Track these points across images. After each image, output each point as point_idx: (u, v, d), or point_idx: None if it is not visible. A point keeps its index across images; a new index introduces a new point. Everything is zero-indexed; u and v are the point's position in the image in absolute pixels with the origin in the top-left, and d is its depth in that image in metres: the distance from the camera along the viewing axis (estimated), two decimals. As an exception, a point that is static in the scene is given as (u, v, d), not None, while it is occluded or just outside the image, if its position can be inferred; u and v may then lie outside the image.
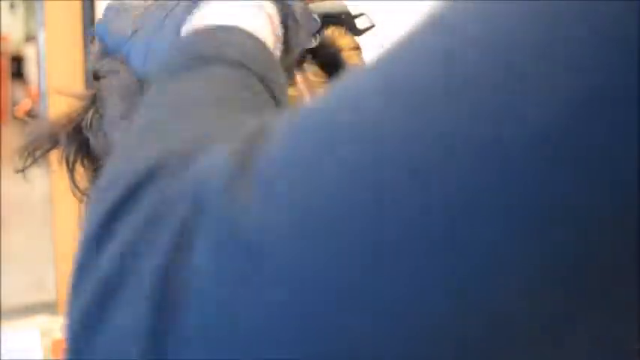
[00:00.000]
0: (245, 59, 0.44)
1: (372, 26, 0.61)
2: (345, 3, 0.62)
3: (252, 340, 0.27)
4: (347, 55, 0.61)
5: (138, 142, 0.37)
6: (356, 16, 0.61)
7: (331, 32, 0.61)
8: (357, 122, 0.29)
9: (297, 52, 0.53)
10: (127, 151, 0.37)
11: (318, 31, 0.59)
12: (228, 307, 0.27)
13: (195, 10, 0.51)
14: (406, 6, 1.54)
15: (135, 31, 0.57)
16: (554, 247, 0.26)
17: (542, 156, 0.26)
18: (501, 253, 0.26)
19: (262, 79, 0.44)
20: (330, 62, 0.60)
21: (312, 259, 0.27)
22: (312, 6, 0.59)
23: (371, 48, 0.64)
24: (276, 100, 0.44)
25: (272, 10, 0.51)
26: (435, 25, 0.30)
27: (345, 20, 0.60)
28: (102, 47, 0.60)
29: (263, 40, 0.47)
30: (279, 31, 0.51)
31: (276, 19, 0.51)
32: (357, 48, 0.62)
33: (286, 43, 0.52)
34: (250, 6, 0.50)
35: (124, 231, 0.31)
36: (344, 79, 0.32)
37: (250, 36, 0.46)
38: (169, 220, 0.30)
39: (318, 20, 0.58)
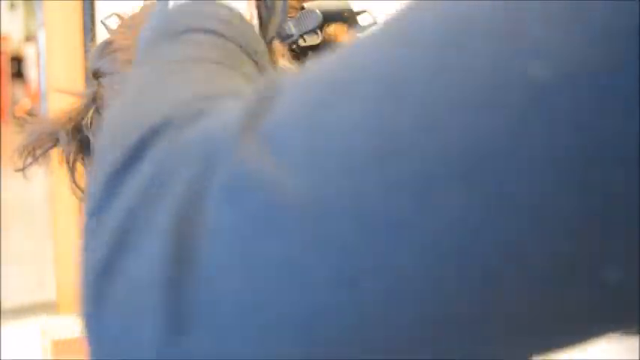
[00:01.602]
0: (223, 28, 0.44)
1: (374, 23, 0.61)
2: (348, 1, 0.62)
3: (269, 284, 0.27)
4: None
5: (136, 102, 0.37)
6: (358, 13, 0.61)
7: (333, 29, 0.60)
8: (369, 64, 0.29)
9: (267, 40, 0.53)
10: (127, 110, 0.37)
11: (320, 28, 0.58)
12: (246, 257, 0.28)
13: None
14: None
15: None
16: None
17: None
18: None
19: (241, 46, 0.44)
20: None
21: (331, 197, 0.27)
22: (314, 3, 0.59)
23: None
24: (259, 66, 0.44)
25: None
26: None
27: (347, 17, 0.60)
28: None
29: (239, 11, 0.47)
30: (255, 17, 0.51)
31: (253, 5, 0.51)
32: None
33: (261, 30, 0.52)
34: None
35: (134, 184, 0.31)
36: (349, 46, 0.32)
37: (226, 6, 0.46)
38: (181, 171, 0.30)
39: (320, 16, 0.58)
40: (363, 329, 0.27)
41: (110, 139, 0.35)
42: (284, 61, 0.59)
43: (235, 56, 0.43)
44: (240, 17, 0.47)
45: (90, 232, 0.32)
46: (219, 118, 0.31)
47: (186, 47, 0.42)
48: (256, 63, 0.44)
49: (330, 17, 0.60)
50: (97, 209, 0.32)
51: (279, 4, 0.53)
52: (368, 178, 0.27)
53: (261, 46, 0.47)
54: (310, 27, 0.58)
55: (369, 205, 0.27)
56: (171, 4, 0.47)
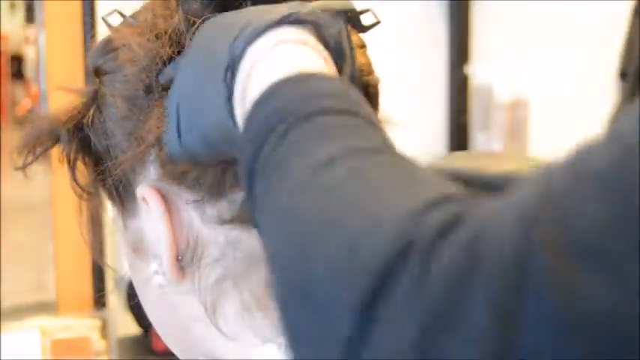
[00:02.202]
0: (346, 104, 0.41)
1: (378, 22, 0.61)
2: (351, 1, 0.61)
3: None
4: None
5: (347, 217, 0.34)
6: (361, 13, 0.60)
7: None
8: None
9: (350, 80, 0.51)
10: (341, 230, 0.34)
11: None
12: None
13: (239, 74, 0.47)
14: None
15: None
16: None
17: None
18: None
19: (366, 117, 0.41)
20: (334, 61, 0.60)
21: None
22: (317, 4, 0.59)
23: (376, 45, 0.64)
24: (382, 130, 0.42)
25: (313, 41, 0.48)
26: None
27: (350, 18, 0.59)
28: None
29: (339, 78, 0.45)
30: (331, 61, 0.48)
31: (321, 48, 0.48)
32: (363, 46, 0.61)
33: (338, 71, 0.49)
34: (299, 49, 0.46)
35: (403, 315, 0.30)
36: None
37: (329, 77, 0.43)
38: (476, 295, 0.28)
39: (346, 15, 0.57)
40: None
41: (326, 270, 0.33)
42: None
43: (376, 133, 0.40)
44: (345, 84, 0.44)
45: None
46: (487, 231, 0.29)
47: (348, 136, 0.39)
48: (381, 129, 0.42)
49: None
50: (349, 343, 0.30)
51: (346, 47, 0.51)
52: None
53: (368, 106, 0.44)
54: None
55: None
56: (257, 85, 0.44)
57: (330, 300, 0.33)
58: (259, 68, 0.46)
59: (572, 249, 0.28)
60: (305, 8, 0.50)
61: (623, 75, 2.66)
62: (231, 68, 0.48)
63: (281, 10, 0.49)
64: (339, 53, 0.50)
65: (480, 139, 2.44)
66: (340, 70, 0.50)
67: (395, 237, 0.32)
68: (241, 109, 0.47)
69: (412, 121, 2.35)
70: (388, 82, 0.64)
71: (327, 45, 0.49)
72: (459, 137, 2.49)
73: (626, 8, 2.64)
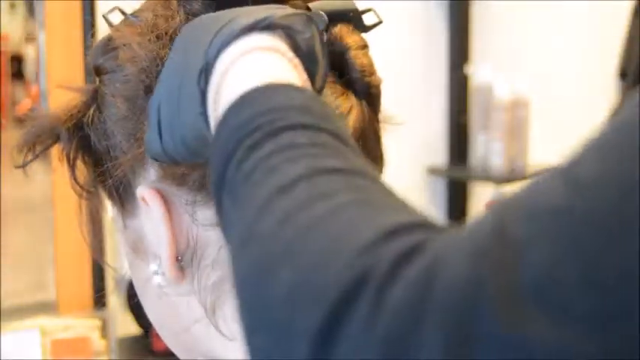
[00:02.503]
0: (314, 118, 0.41)
1: (380, 22, 0.61)
2: (353, 0, 0.61)
3: None
4: (354, 55, 0.60)
5: (306, 243, 0.35)
6: (363, 12, 0.60)
7: (338, 30, 0.60)
8: None
9: (322, 87, 0.51)
10: (300, 256, 0.34)
11: (326, 29, 0.58)
12: None
13: (212, 78, 0.48)
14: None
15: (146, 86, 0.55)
16: None
17: None
18: None
19: (334, 134, 0.41)
20: (336, 61, 0.59)
21: None
22: (319, 4, 0.58)
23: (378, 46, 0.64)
24: (354, 148, 0.42)
25: (285, 48, 0.48)
26: None
27: (352, 17, 0.59)
28: None
29: (309, 89, 0.45)
30: (301, 69, 0.48)
31: (292, 56, 0.48)
32: (365, 46, 0.61)
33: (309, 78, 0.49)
34: (270, 57, 0.46)
35: (357, 347, 0.30)
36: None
37: (294, 89, 0.43)
38: (422, 335, 0.29)
39: (326, 19, 0.57)
40: None
41: (290, 287, 0.33)
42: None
43: (341, 151, 0.40)
44: (313, 96, 0.44)
45: None
46: (442, 275, 0.30)
47: (313, 156, 0.39)
48: (353, 147, 0.41)
49: (336, 17, 0.59)
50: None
51: (319, 53, 0.51)
52: None
53: (341, 120, 0.44)
54: None
55: None
56: (231, 94, 0.44)
57: (286, 324, 0.33)
58: (231, 75, 0.47)
59: (520, 293, 0.29)
60: (281, 11, 0.50)
61: (623, 75, 2.66)
62: (205, 71, 0.48)
63: (258, 13, 0.49)
64: (311, 59, 0.50)
65: (480, 139, 2.43)
66: (312, 76, 0.50)
67: (351, 268, 0.32)
68: (214, 114, 0.47)
69: (412, 121, 2.35)
70: (388, 82, 0.64)
71: (298, 50, 0.49)
72: (459, 137, 2.49)
73: (626, 8, 2.65)
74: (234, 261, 0.39)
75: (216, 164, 0.43)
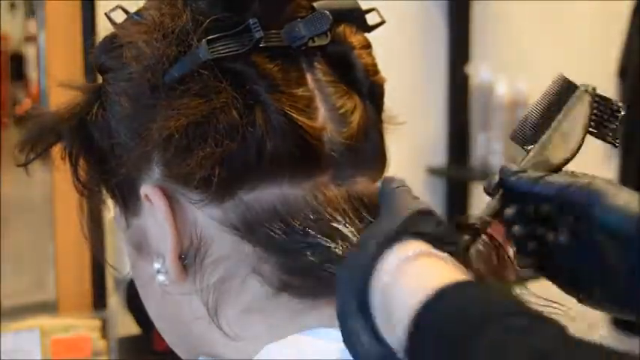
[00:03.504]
0: (512, 308, 0.42)
1: (383, 22, 0.61)
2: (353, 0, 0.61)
3: None
4: (358, 54, 0.60)
5: None
6: (367, 12, 0.60)
7: (342, 30, 0.60)
8: None
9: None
10: None
11: (329, 29, 0.58)
12: None
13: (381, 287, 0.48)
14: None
15: None
16: None
17: None
18: None
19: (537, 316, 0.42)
20: (340, 61, 0.59)
21: None
22: (323, 3, 0.58)
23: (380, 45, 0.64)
24: None
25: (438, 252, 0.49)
26: None
27: (356, 17, 0.59)
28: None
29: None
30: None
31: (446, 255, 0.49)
32: (369, 46, 0.61)
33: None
34: (436, 261, 0.47)
35: None
36: None
37: (482, 286, 0.45)
38: None
39: (331, 18, 0.57)
40: None
41: None
42: None
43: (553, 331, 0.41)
44: (499, 290, 0.47)
45: None
46: None
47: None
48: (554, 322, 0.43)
49: (340, 17, 0.59)
50: None
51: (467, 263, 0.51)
52: None
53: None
54: (321, 29, 0.57)
55: None
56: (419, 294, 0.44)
57: None
58: (403, 282, 0.47)
59: None
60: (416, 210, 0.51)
61: (623, 74, 2.65)
62: (364, 288, 0.48)
63: (396, 217, 0.50)
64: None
65: (480, 139, 2.43)
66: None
67: None
68: (385, 321, 0.47)
69: (412, 121, 2.35)
70: (388, 82, 0.64)
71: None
72: (459, 137, 2.49)
73: (626, 8, 2.64)
74: None
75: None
